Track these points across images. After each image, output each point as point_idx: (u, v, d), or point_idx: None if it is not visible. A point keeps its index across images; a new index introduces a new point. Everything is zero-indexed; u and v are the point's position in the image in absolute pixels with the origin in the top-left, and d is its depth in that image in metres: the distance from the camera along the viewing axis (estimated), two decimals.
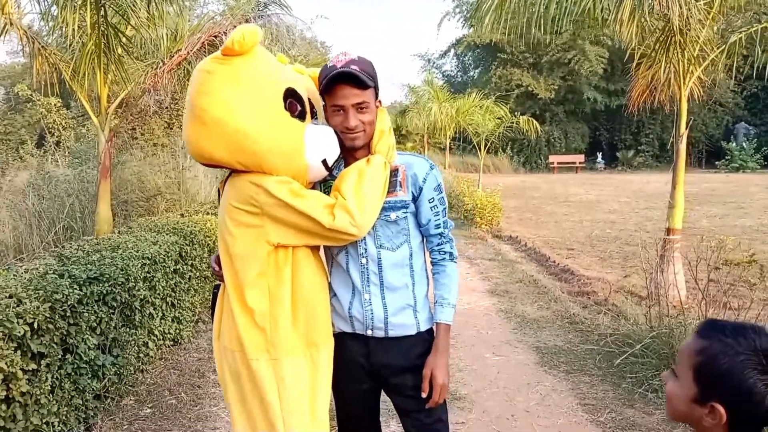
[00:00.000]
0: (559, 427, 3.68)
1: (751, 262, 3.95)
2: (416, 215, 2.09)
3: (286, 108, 1.92)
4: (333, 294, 2.13)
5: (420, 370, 2.04)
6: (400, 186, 2.04)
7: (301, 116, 1.96)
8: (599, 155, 31.13)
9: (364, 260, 2.05)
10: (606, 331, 5.10)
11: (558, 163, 29.61)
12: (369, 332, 2.07)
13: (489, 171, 26.61)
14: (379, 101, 2.06)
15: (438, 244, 2.13)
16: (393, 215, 2.03)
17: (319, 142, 1.96)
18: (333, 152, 1.97)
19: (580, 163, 29.65)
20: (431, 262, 2.18)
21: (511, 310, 6.21)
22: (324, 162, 1.96)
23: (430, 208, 2.07)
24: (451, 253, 2.14)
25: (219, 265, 2.09)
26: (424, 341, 2.09)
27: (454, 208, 13.55)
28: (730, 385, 1.22)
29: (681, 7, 5.29)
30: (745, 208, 13.83)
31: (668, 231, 6.37)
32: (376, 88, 2.01)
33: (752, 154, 26.49)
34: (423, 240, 2.15)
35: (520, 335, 5.41)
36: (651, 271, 5.47)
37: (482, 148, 16.84)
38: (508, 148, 29.87)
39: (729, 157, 26.89)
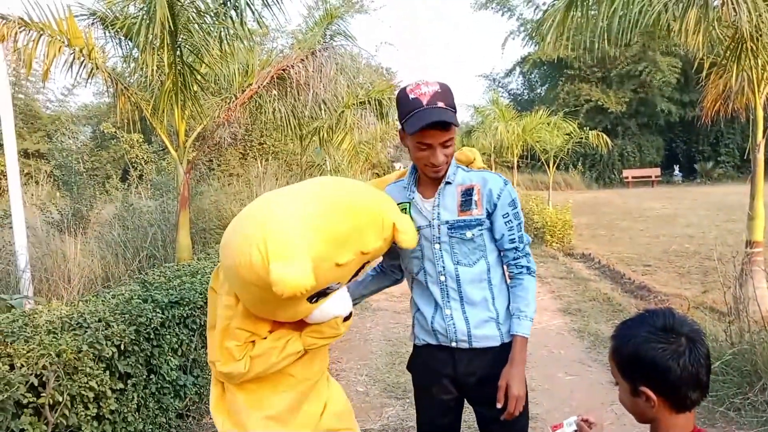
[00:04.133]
0: None
1: None
2: (491, 230, 2.12)
3: (309, 299, 1.92)
4: (416, 309, 2.22)
5: None
6: (476, 205, 2.09)
7: (329, 291, 1.97)
8: (676, 168, 29.92)
9: (442, 277, 2.11)
10: None
11: (632, 177, 28.69)
12: (453, 344, 2.12)
13: (560, 188, 26.09)
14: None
15: (514, 258, 2.15)
16: (469, 233, 2.08)
17: (325, 317, 2.01)
18: (343, 312, 2.06)
19: (655, 176, 28.62)
20: (508, 276, 2.21)
21: (584, 329, 6.08)
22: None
23: (505, 222, 2.10)
24: (528, 267, 2.16)
25: None
26: (508, 352, 2.11)
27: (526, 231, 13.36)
28: (641, 365, 1.32)
29: (751, 13, 5.14)
30: None
31: (748, 244, 6.11)
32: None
33: None
34: (499, 254, 2.17)
35: (594, 354, 5.30)
36: (730, 286, 5.25)
37: (551, 164, 16.59)
38: (579, 164, 29.21)
39: None
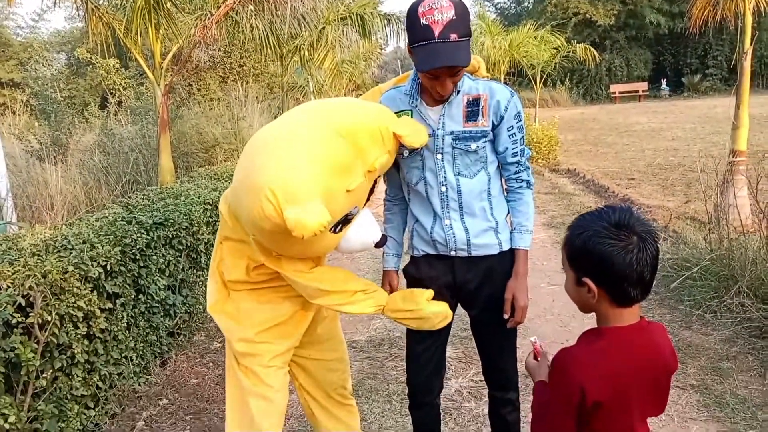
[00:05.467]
0: None
1: None
2: (493, 142, 2.08)
3: (330, 229, 1.90)
4: (415, 220, 2.20)
5: (501, 287, 2.12)
6: (482, 115, 2.02)
7: (350, 217, 1.96)
8: (663, 82, 29.66)
9: (443, 188, 2.08)
10: (665, 256, 5.02)
11: (619, 92, 28.42)
12: (453, 253, 2.13)
13: (547, 105, 25.88)
14: None
15: (515, 172, 2.13)
16: (473, 145, 2.03)
17: (353, 245, 2.03)
18: (368, 244, 2.05)
19: (643, 91, 28.38)
20: (507, 190, 2.19)
21: None
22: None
23: (509, 136, 2.05)
24: (528, 181, 2.15)
25: None
26: (506, 259, 2.14)
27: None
28: (588, 257, 1.35)
29: None
30: None
31: (732, 153, 6.14)
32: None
33: None
34: (499, 165, 2.15)
35: None
36: (712, 195, 5.32)
37: (538, 81, 16.38)
38: (567, 80, 28.85)
39: None
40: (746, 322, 3.84)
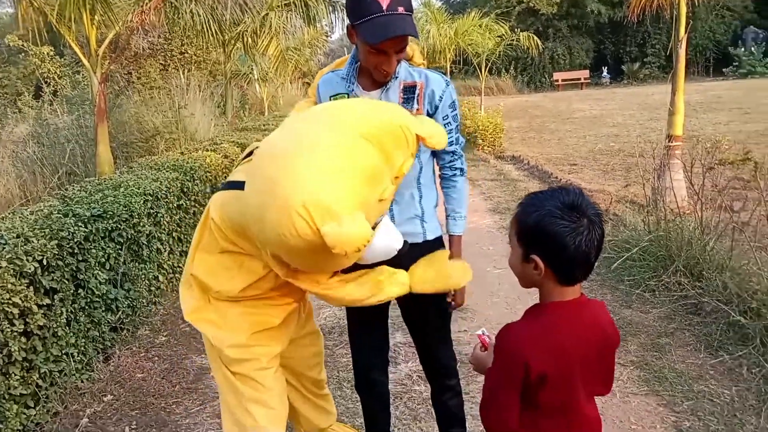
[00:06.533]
0: None
1: (745, 161, 3.96)
2: None
3: None
4: None
5: None
6: (417, 102, 2.02)
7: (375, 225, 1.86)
8: (604, 70, 30.46)
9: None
10: (606, 239, 5.16)
11: (562, 80, 29.05)
12: None
13: (492, 93, 26.19)
14: None
15: (450, 161, 2.15)
16: None
17: (377, 254, 1.84)
18: (392, 251, 1.88)
19: (584, 79, 29.07)
20: (441, 177, 2.20)
21: None
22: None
23: (444, 125, 2.05)
24: (462, 169, 2.17)
25: None
26: (430, 248, 2.15)
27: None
28: (540, 236, 1.37)
29: None
30: (751, 113, 13.66)
31: (669, 138, 6.35)
32: None
33: (761, 58, 25.83)
34: (431, 154, 2.15)
35: None
36: (649, 179, 5.50)
37: (483, 69, 16.55)
38: (512, 68, 29.29)
39: (737, 64, 26.27)
40: (683, 299, 3.99)
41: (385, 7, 1.80)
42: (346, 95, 2.06)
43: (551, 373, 1.38)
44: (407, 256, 2.06)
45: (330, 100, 2.07)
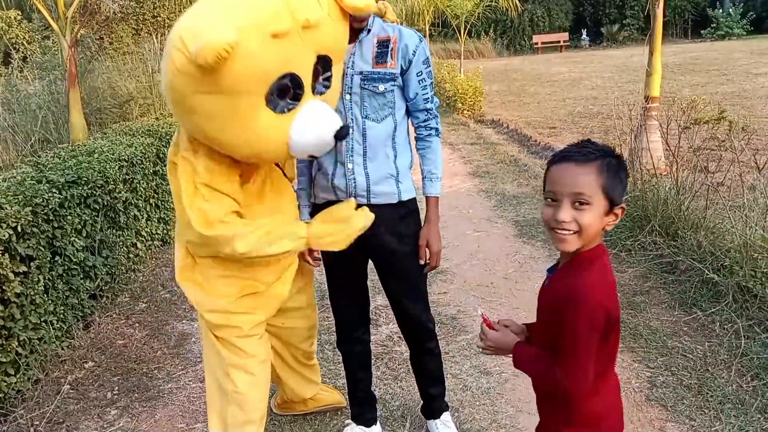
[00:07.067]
0: (535, 289, 3.85)
1: (720, 120, 3.99)
2: (403, 89, 2.08)
3: (268, 103, 1.69)
4: (318, 168, 2.17)
5: (401, 236, 2.15)
6: (391, 56, 2.02)
7: (296, 97, 1.74)
8: (584, 32, 30.32)
9: (351, 130, 2.04)
10: None
11: (542, 43, 28.84)
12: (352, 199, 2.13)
13: (472, 56, 26.00)
14: None
15: (425, 120, 2.15)
16: (381, 87, 2.03)
17: (307, 137, 1.75)
18: (322, 147, 1.81)
19: (564, 41, 28.89)
20: (416, 138, 2.20)
21: (491, 189, 6.33)
22: (311, 156, 1.89)
23: (419, 81, 2.06)
24: (437, 129, 2.17)
25: None
26: (405, 209, 2.16)
27: (435, 95, 13.39)
28: (621, 185, 1.38)
29: None
30: (727, 75, 13.73)
31: (646, 99, 6.37)
32: None
33: (738, 20, 25.88)
34: (407, 112, 2.15)
35: (500, 211, 5.55)
36: (627, 140, 5.53)
37: (462, 31, 16.38)
38: (491, 31, 29.03)
39: (715, 25, 26.29)
40: (658, 258, 4.06)
41: None
42: None
43: (617, 315, 1.40)
44: (383, 218, 2.08)
45: None
